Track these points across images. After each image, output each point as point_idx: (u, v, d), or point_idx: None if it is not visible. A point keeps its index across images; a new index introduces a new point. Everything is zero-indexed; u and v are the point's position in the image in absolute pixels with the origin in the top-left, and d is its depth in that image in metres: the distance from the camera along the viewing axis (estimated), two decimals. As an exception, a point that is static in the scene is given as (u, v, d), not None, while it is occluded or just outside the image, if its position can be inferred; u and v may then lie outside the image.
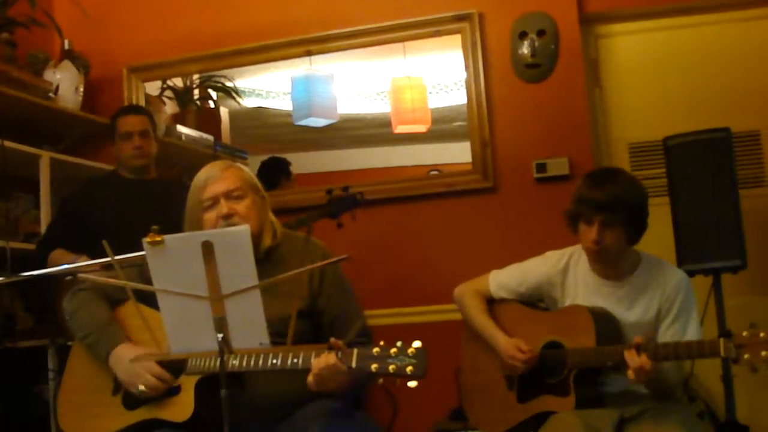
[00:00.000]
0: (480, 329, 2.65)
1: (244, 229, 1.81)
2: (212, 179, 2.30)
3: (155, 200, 3.29)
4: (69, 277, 2.99)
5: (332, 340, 2.02)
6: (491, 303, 2.71)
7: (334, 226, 3.06)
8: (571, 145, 3.60)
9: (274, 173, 4.43)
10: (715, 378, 3.18)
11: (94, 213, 3.30)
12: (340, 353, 1.98)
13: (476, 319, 2.67)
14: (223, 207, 2.26)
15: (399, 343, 1.90)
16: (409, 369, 1.86)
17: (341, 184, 3.26)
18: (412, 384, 1.86)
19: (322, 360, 2.01)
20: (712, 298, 3.17)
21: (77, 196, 3.45)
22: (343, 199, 3.11)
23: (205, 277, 1.79)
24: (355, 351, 1.96)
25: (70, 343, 2.96)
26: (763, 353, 2.10)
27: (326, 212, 3.08)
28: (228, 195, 2.28)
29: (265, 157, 4.64)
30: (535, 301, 2.68)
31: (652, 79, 3.74)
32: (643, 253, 2.54)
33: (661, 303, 2.45)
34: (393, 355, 1.88)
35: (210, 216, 2.27)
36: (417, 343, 1.89)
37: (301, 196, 3.92)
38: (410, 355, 1.87)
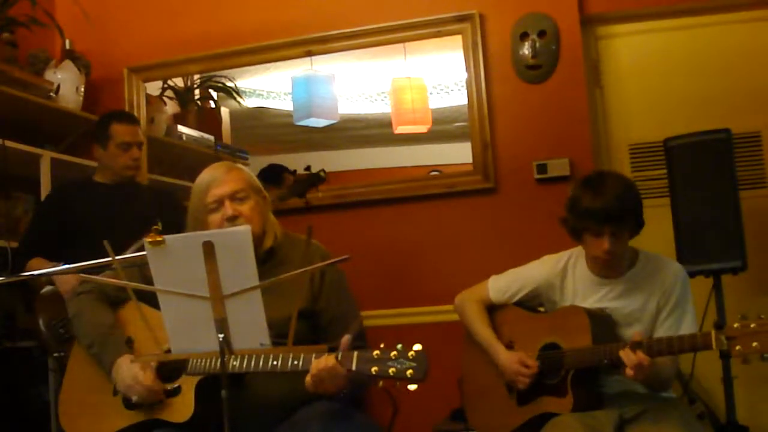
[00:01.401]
0: (480, 340, 2.65)
1: (245, 230, 1.81)
2: (216, 182, 2.31)
3: (136, 205, 3.28)
4: (46, 289, 2.99)
5: (345, 338, 2.02)
6: (491, 309, 2.71)
7: (333, 228, 3.06)
8: (571, 145, 3.59)
9: (267, 180, 4.41)
10: (715, 379, 3.18)
11: (73, 216, 3.24)
12: (340, 355, 1.98)
13: (477, 329, 2.67)
14: (228, 209, 2.27)
15: (399, 346, 1.89)
16: (409, 372, 1.85)
17: (342, 184, 3.24)
18: (412, 387, 1.86)
19: (321, 362, 2.01)
20: (712, 300, 3.17)
21: (54, 199, 3.36)
22: (307, 178, 3.14)
23: (206, 278, 1.79)
24: (356, 354, 1.95)
25: (56, 354, 2.94)
26: (754, 344, 2.10)
27: (293, 192, 3.11)
28: (232, 197, 2.29)
29: (265, 158, 4.63)
30: (535, 306, 2.68)
31: (653, 80, 3.73)
32: (639, 249, 2.55)
33: (660, 295, 2.46)
34: (393, 358, 1.88)
35: (215, 218, 2.28)
36: (417, 346, 1.89)
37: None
38: (410, 358, 1.87)
